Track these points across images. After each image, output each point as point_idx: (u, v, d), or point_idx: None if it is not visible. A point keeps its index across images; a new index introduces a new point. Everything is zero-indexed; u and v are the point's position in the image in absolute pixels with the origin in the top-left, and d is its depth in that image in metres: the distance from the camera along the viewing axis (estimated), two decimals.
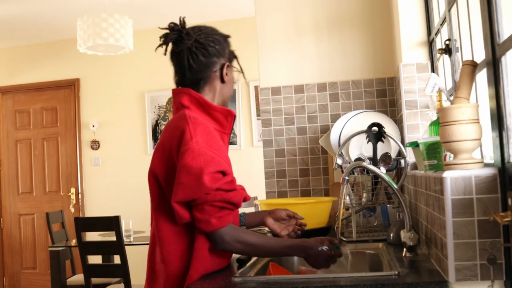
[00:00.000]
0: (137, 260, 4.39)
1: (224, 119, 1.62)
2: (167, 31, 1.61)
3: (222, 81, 1.64)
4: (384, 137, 2.32)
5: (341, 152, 2.40)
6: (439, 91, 1.91)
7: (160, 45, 1.62)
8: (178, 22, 1.61)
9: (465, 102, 1.39)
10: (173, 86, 1.70)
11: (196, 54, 1.59)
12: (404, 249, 1.81)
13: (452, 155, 1.43)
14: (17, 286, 6.23)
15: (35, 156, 6.29)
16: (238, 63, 1.70)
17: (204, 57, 1.60)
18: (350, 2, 2.95)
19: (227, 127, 1.64)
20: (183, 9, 5.43)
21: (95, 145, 6.09)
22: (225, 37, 1.67)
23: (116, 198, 5.89)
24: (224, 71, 1.64)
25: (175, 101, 1.62)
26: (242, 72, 1.69)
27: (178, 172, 1.44)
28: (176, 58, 1.63)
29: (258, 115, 5.64)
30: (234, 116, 1.63)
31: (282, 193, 2.94)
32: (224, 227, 1.51)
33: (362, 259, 2.07)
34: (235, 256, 1.98)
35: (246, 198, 1.60)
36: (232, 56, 1.69)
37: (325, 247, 1.59)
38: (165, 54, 1.63)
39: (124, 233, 4.16)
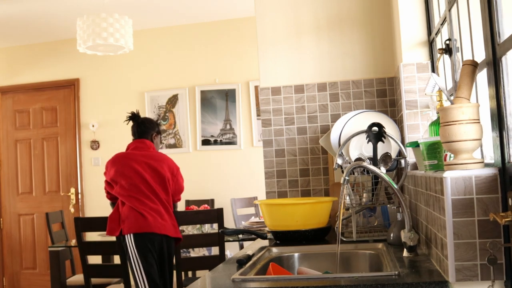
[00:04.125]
0: None
1: None
2: (130, 115, 3.54)
3: (152, 141, 3.52)
4: (384, 137, 2.32)
5: (341, 152, 2.40)
6: (439, 91, 1.91)
7: (126, 121, 3.55)
8: (135, 112, 3.57)
9: (466, 102, 1.39)
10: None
11: (142, 127, 3.50)
12: (404, 249, 1.81)
13: (452, 155, 1.43)
14: (17, 286, 6.23)
15: (35, 156, 6.29)
16: (161, 136, 3.63)
17: (146, 128, 3.51)
18: (350, 2, 2.95)
19: None
20: (183, 9, 5.42)
21: (95, 145, 6.09)
22: (157, 123, 3.64)
23: None
24: (153, 137, 3.54)
25: (143, 146, 3.47)
26: (162, 141, 3.78)
27: (178, 180, 3.50)
28: (135, 127, 3.50)
29: (258, 115, 5.64)
30: None
31: (282, 193, 2.94)
32: None
33: (362, 259, 2.07)
34: (235, 256, 1.99)
35: None
36: (159, 131, 3.59)
37: None
38: (127, 123, 3.57)
39: None
